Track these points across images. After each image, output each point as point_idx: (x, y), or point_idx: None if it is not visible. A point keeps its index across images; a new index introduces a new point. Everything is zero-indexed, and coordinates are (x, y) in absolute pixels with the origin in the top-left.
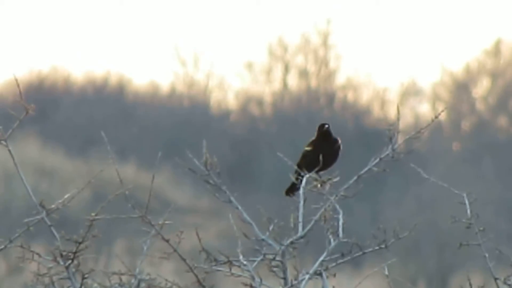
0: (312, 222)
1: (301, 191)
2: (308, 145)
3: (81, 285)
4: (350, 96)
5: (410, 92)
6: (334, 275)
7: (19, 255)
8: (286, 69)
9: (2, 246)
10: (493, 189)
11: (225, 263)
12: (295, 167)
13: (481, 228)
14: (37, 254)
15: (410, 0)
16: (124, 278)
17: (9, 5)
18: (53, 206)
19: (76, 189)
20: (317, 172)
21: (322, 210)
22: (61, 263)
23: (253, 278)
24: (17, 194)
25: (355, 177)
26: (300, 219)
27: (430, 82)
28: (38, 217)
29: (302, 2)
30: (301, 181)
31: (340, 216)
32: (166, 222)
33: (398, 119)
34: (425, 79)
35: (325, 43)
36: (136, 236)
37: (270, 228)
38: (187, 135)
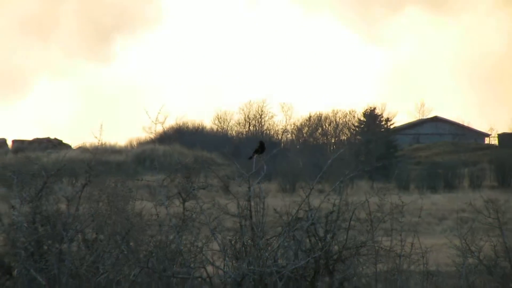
0: (258, 167)
1: (254, 159)
2: (257, 147)
3: (192, 183)
4: (267, 131)
5: (286, 131)
6: (263, 183)
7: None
8: (248, 122)
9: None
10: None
11: (232, 179)
12: (252, 152)
13: (301, 165)
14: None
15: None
16: None
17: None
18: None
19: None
20: (258, 154)
21: (260, 164)
22: (185, 179)
23: (239, 184)
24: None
25: (268, 156)
26: (253, 166)
27: (283, 128)
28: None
29: (256, 91)
30: (254, 156)
31: (265, 166)
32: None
33: (281, 140)
34: (287, 127)
35: (262, 109)
36: (208, 174)
37: (245, 170)
38: (221, 143)
